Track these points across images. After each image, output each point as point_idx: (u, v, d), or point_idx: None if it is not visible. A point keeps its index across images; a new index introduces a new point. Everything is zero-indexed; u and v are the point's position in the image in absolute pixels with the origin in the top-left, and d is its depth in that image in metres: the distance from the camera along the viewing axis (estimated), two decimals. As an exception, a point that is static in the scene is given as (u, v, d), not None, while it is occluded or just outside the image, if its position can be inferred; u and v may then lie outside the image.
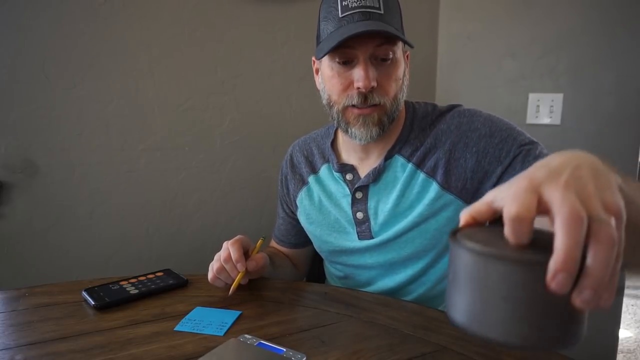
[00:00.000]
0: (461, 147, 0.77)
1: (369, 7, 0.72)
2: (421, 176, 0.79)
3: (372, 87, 0.73)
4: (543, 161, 0.39)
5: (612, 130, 1.37)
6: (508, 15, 1.48)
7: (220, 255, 0.76)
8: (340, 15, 0.73)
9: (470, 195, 0.78)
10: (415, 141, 0.81)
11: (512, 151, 0.73)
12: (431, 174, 0.78)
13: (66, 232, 1.19)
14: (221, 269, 0.75)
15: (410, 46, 0.76)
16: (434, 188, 0.78)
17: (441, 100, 1.63)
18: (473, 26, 1.54)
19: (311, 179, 0.91)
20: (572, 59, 1.39)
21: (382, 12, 0.72)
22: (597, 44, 1.35)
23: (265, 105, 1.38)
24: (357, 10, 0.72)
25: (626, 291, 1.56)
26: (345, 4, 0.73)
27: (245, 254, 0.78)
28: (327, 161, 0.89)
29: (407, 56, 0.82)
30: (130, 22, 1.18)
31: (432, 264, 0.83)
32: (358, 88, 0.73)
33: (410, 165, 0.80)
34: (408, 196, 0.80)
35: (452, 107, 0.83)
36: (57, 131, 1.14)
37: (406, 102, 0.85)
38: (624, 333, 2.25)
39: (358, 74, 0.72)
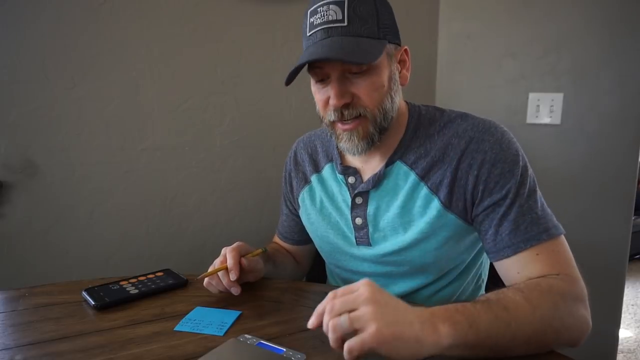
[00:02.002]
0: (465, 167, 0.74)
1: (331, 21, 0.69)
2: (424, 190, 0.77)
3: (347, 104, 0.72)
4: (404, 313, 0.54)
5: (612, 130, 1.37)
6: (508, 15, 1.48)
7: (216, 262, 0.76)
8: (307, 34, 0.72)
9: (469, 216, 0.76)
10: (419, 148, 0.79)
11: (505, 189, 0.71)
12: (435, 191, 0.76)
13: (66, 232, 1.19)
14: (213, 275, 0.75)
15: (373, 58, 0.69)
16: (435, 206, 0.76)
17: (441, 100, 1.63)
18: (473, 26, 1.54)
19: (314, 178, 0.90)
20: (572, 58, 1.39)
21: (345, 23, 0.69)
22: (598, 44, 1.35)
23: (265, 105, 1.38)
24: (320, 28, 0.70)
25: (626, 291, 1.55)
26: (312, 20, 0.71)
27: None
28: (331, 160, 0.88)
29: (406, 51, 0.79)
30: (130, 22, 1.18)
31: (433, 281, 0.82)
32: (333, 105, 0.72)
33: (413, 175, 0.78)
34: (410, 208, 0.78)
35: (463, 115, 0.79)
36: (57, 131, 1.14)
37: (411, 105, 0.83)
38: (624, 333, 2.25)
39: (330, 92, 0.72)
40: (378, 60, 0.71)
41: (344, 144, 0.76)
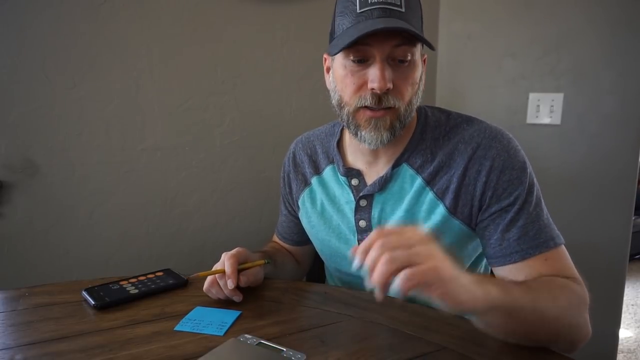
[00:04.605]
0: (473, 174, 0.74)
1: (390, 3, 0.68)
2: (430, 195, 0.76)
3: (388, 89, 0.69)
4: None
5: (612, 131, 1.37)
6: (508, 15, 1.48)
7: (216, 268, 0.75)
8: (358, 11, 0.69)
9: (474, 222, 0.76)
10: (425, 152, 0.78)
11: (514, 196, 0.71)
12: (440, 196, 0.76)
13: (66, 232, 1.19)
14: (213, 283, 0.74)
15: (431, 48, 0.71)
16: (440, 211, 0.76)
17: (441, 101, 1.63)
18: (473, 26, 1.54)
19: (314, 181, 0.89)
20: (572, 58, 1.39)
21: (403, 10, 0.69)
22: (598, 44, 1.35)
23: (265, 105, 1.38)
24: (377, 7, 0.68)
25: (626, 291, 1.55)
26: None
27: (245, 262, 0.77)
28: (332, 162, 0.87)
29: (424, 60, 0.79)
30: (130, 22, 1.18)
31: None
32: (372, 89, 0.69)
33: (419, 180, 0.77)
34: (416, 213, 0.77)
35: (469, 120, 0.79)
36: (57, 131, 1.14)
37: (418, 107, 0.82)
38: (624, 333, 2.25)
39: (373, 74, 0.69)
40: (417, 56, 0.73)
41: (367, 133, 0.73)
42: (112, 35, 1.16)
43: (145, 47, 1.20)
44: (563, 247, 0.71)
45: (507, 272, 0.71)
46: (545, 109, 1.44)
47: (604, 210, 1.41)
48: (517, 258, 0.70)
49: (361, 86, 0.71)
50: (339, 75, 0.75)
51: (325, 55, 0.82)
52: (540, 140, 1.45)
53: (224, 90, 1.32)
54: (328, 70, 0.81)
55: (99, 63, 1.16)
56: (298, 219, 0.96)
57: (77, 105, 1.15)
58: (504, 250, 0.71)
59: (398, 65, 0.71)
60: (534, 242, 0.70)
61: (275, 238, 1.04)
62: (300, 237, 0.99)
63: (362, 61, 0.71)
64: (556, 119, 1.43)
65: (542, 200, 0.74)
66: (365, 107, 0.72)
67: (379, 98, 0.70)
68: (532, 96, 1.46)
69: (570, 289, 0.64)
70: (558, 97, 1.42)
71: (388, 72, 0.69)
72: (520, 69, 1.47)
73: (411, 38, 0.69)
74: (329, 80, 0.80)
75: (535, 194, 0.73)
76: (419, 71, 0.75)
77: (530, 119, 1.47)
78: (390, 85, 0.69)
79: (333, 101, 0.78)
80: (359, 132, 0.75)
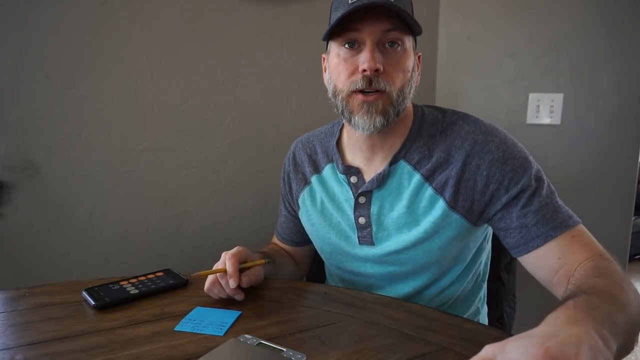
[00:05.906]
0: (473, 169, 0.75)
1: None
2: (429, 190, 0.77)
3: (378, 71, 0.71)
4: (554, 328, 0.43)
5: (612, 130, 1.37)
6: (508, 15, 1.48)
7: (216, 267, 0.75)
8: (350, 2, 0.72)
9: (476, 217, 0.77)
10: (423, 148, 0.79)
11: (521, 184, 0.72)
12: (440, 191, 0.77)
13: (66, 232, 1.19)
14: (215, 282, 0.74)
15: (418, 30, 0.73)
16: (440, 206, 0.76)
17: (441, 100, 1.64)
18: (473, 26, 1.55)
19: (314, 179, 0.89)
20: (572, 58, 1.39)
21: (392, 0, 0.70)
22: (598, 44, 1.35)
23: (265, 105, 1.38)
24: None
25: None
26: None
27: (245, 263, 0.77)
28: (331, 161, 0.88)
29: (419, 57, 0.81)
30: (130, 22, 1.18)
31: (436, 279, 0.82)
32: (363, 71, 0.71)
33: (418, 176, 0.78)
34: (415, 209, 0.78)
35: (464, 117, 0.80)
36: (57, 131, 1.14)
37: (415, 105, 0.83)
38: (624, 333, 2.25)
39: (364, 56, 0.71)
40: (408, 45, 0.74)
41: (359, 118, 0.74)
42: (112, 35, 1.16)
43: (145, 47, 1.20)
44: (582, 225, 0.71)
45: (537, 256, 0.71)
46: (545, 109, 1.44)
47: (604, 211, 1.41)
48: (539, 242, 0.70)
49: (353, 72, 0.73)
50: (333, 65, 0.77)
51: (323, 55, 0.84)
52: (540, 141, 1.45)
53: (224, 91, 1.32)
54: (325, 69, 0.82)
55: (99, 63, 1.16)
56: (298, 219, 0.96)
57: (77, 105, 1.15)
58: (525, 237, 0.72)
59: (389, 51, 0.73)
60: (553, 224, 0.70)
61: (275, 239, 1.04)
62: (300, 238, 0.99)
63: (353, 45, 0.73)
64: (556, 119, 1.43)
65: (551, 184, 0.75)
66: (358, 91, 0.73)
67: (370, 80, 0.72)
68: (532, 96, 1.46)
69: (618, 272, 0.61)
70: (558, 97, 1.42)
71: (378, 55, 0.71)
72: (520, 69, 1.47)
73: (400, 25, 0.71)
74: (326, 76, 0.81)
75: (544, 179, 0.74)
76: (411, 60, 0.76)
77: (530, 119, 1.47)
78: (379, 67, 0.71)
79: (329, 93, 0.80)
80: (352, 119, 0.76)
